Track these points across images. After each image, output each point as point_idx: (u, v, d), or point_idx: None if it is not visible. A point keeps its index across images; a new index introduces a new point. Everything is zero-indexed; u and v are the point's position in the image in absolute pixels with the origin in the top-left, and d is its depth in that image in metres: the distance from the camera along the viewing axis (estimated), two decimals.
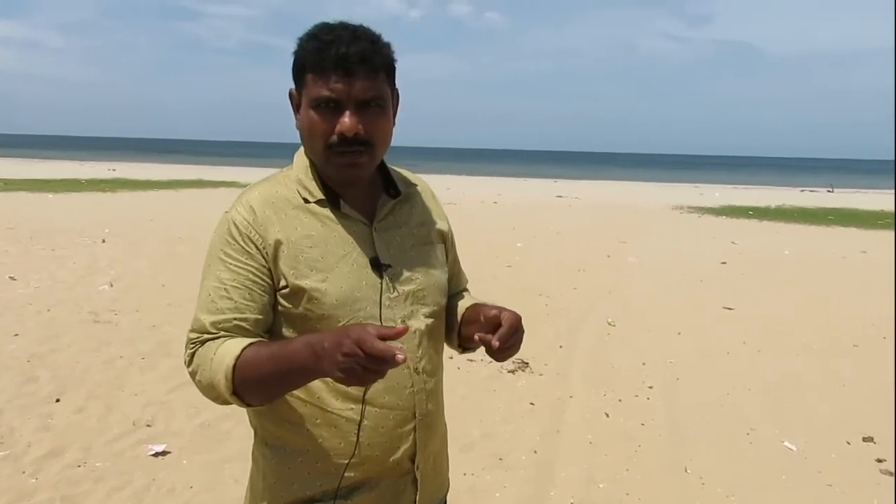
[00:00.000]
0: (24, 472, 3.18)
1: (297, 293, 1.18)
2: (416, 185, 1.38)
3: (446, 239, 1.40)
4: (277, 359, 1.10)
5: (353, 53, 1.12)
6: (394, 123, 1.24)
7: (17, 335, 5.18)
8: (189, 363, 1.19)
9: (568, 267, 8.95)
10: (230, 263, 1.19)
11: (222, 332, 1.17)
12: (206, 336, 1.18)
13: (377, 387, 1.21)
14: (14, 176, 21.67)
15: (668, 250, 10.68)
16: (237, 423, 3.62)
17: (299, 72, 1.18)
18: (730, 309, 6.88)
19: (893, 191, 22.67)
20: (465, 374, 4.57)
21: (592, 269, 8.92)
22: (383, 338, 0.97)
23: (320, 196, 1.23)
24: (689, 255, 10.16)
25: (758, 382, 4.75)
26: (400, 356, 0.94)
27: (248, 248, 1.18)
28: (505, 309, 1.21)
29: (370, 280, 1.22)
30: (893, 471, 3.49)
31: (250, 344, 1.13)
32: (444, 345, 1.40)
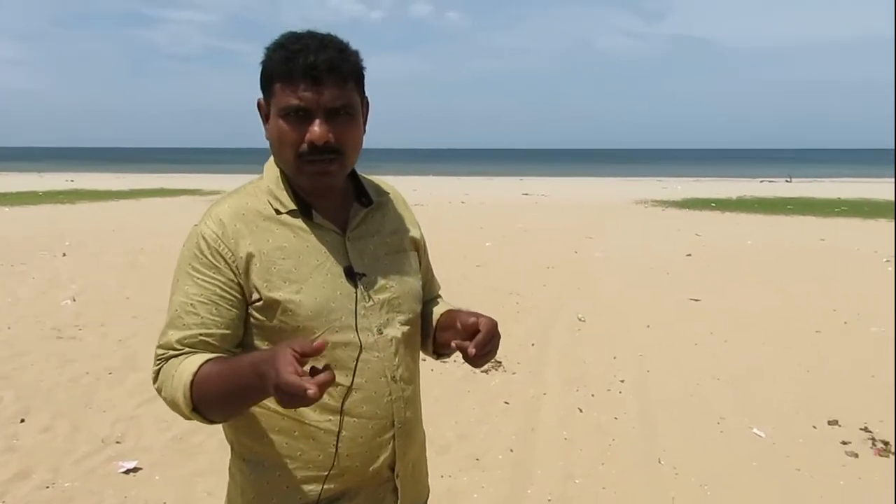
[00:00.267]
0: None
1: (270, 306, 1.17)
2: (388, 194, 1.38)
3: (419, 246, 1.40)
4: (227, 378, 1.10)
5: (322, 62, 1.12)
6: (364, 131, 1.24)
7: None
8: (155, 380, 1.19)
9: (537, 264, 9.01)
10: (198, 278, 1.18)
11: (187, 349, 1.16)
12: (170, 353, 1.17)
13: (355, 396, 1.21)
14: None
15: (634, 244, 10.82)
16: (209, 436, 3.57)
17: (267, 81, 1.18)
18: (696, 300, 7.00)
19: (894, 181, 23.18)
20: (439, 375, 4.57)
21: (561, 265, 9.00)
22: (306, 355, 0.96)
23: (292, 206, 1.22)
24: (654, 249, 10.31)
25: (726, 372, 4.84)
26: (311, 391, 0.90)
27: (216, 263, 1.17)
28: (481, 315, 1.21)
29: (345, 290, 1.21)
30: (857, 453, 3.59)
31: (207, 360, 1.12)
32: (421, 352, 1.40)
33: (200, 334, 1.16)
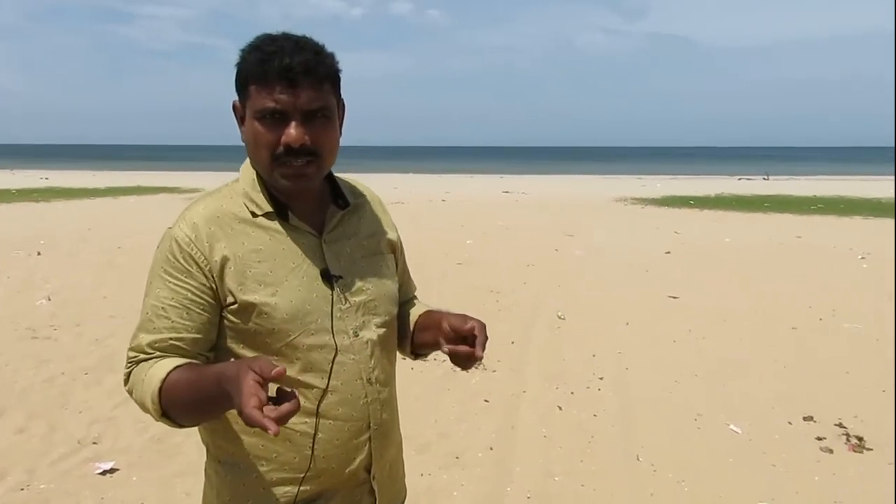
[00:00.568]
0: None
1: (245, 309, 1.17)
2: (365, 196, 1.38)
3: (396, 249, 1.41)
4: (194, 387, 1.10)
5: (298, 64, 1.11)
6: (340, 133, 1.24)
7: None
8: (126, 382, 1.19)
9: (517, 262, 9.04)
10: (170, 282, 1.17)
11: (157, 353, 1.16)
12: (141, 356, 1.17)
13: (331, 399, 1.21)
14: None
15: (614, 242, 10.89)
16: (187, 437, 3.54)
17: (242, 84, 1.17)
18: (675, 298, 7.06)
19: (893, 179, 23.46)
20: (419, 373, 4.57)
21: (541, 263, 9.04)
22: (267, 380, 0.94)
23: (268, 209, 1.22)
24: (634, 247, 10.39)
25: (703, 369, 4.89)
26: (272, 430, 0.87)
27: (188, 267, 1.16)
28: (469, 316, 1.21)
29: (321, 292, 1.21)
30: (832, 448, 3.65)
31: (177, 367, 1.12)
32: (397, 353, 1.40)
33: (171, 339, 1.16)
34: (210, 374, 1.08)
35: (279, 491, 1.23)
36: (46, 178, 26.48)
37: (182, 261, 1.17)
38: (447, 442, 3.73)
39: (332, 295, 1.22)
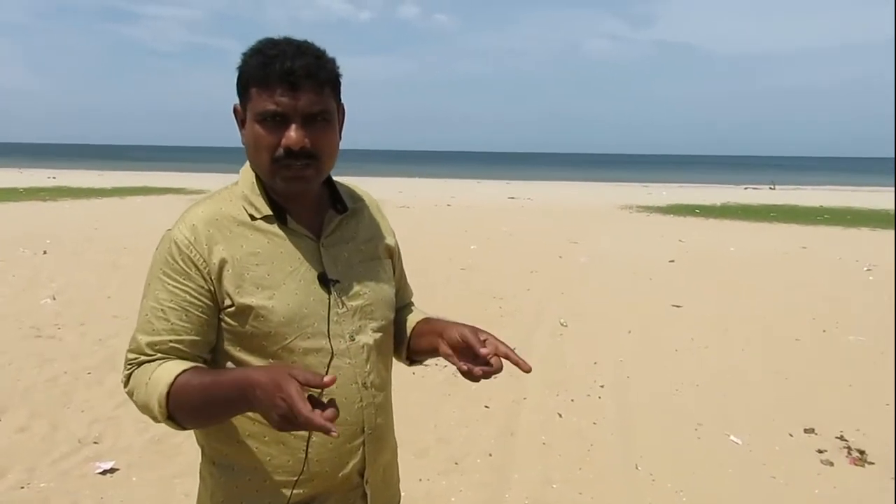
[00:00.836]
0: None
1: (243, 311, 1.17)
2: (363, 200, 1.39)
3: (393, 254, 1.41)
4: (208, 392, 1.11)
5: (299, 67, 1.13)
6: (340, 138, 1.25)
7: None
8: (126, 384, 1.20)
9: (521, 268, 9.04)
10: (168, 284, 1.18)
11: (158, 354, 1.17)
12: (142, 357, 1.18)
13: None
14: None
15: (618, 250, 10.88)
16: (187, 437, 3.54)
17: (244, 87, 1.18)
18: (678, 306, 7.05)
19: (894, 190, 23.38)
20: (420, 378, 4.58)
21: (545, 270, 9.03)
22: (310, 385, 0.98)
23: (267, 212, 1.22)
24: (638, 254, 10.37)
25: (705, 378, 4.88)
26: (334, 433, 0.94)
27: (187, 269, 1.17)
28: (479, 329, 1.22)
29: (318, 296, 1.22)
30: (833, 461, 3.64)
31: (184, 371, 1.13)
32: (393, 359, 1.41)
33: (170, 341, 1.17)
34: (227, 379, 1.09)
35: (272, 493, 1.23)
36: (54, 178, 26.63)
37: (181, 263, 1.17)
38: (447, 447, 3.73)
39: (330, 299, 1.22)
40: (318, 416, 0.95)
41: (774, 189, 29.65)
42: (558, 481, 3.38)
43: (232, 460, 1.25)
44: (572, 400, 4.44)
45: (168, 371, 1.13)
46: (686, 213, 17.40)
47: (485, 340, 1.19)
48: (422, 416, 4.09)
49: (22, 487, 3.17)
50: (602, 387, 4.69)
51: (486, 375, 1.16)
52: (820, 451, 3.75)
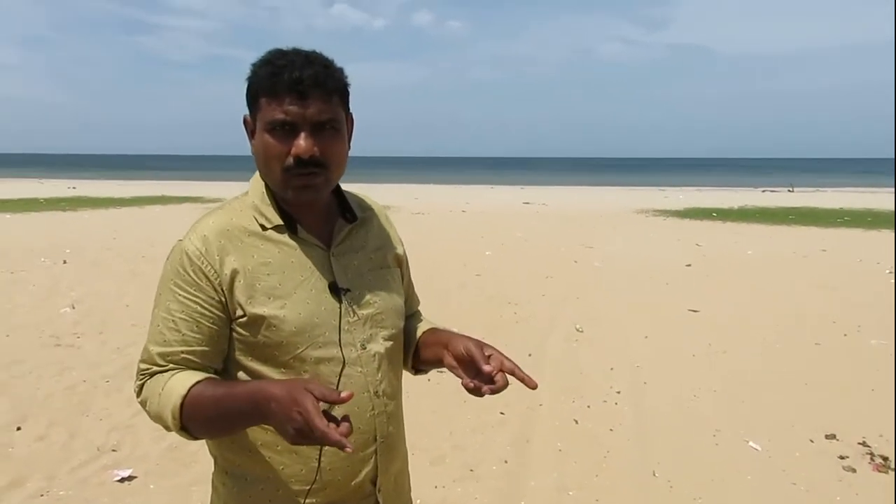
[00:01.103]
0: None
1: (254, 321, 1.18)
2: (372, 209, 1.39)
3: (402, 263, 1.42)
4: (221, 404, 1.12)
5: (307, 77, 1.13)
6: (349, 147, 1.25)
7: None
8: (139, 394, 1.21)
9: (536, 274, 9.01)
10: (179, 294, 1.19)
11: (170, 365, 1.18)
12: (154, 368, 1.19)
13: (337, 411, 1.21)
14: None
15: (634, 254, 10.81)
16: (203, 446, 3.52)
17: (253, 97, 1.19)
18: (695, 311, 6.99)
19: (894, 191, 23.12)
20: (435, 385, 4.57)
21: (560, 275, 9.00)
22: (326, 400, 0.99)
23: (277, 222, 1.23)
24: (654, 259, 10.30)
25: (723, 384, 4.83)
26: (349, 449, 0.96)
27: (198, 280, 1.18)
28: (486, 344, 1.22)
29: (329, 305, 1.22)
30: (855, 468, 3.58)
31: (198, 382, 1.14)
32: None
33: (182, 351, 1.18)
34: (241, 391, 1.10)
35: (285, 503, 1.23)
36: (74, 188, 26.96)
37: (192, 274, 1.18)
38: (462, 454, 3.72)
39: (340, 308, 1.23)
40: (333, 431, 0.96)
41: (793, 191, 29.34)
42: (574, 488, 3.36)
43: (245, 470, 1.25)
44: (588, 406, 4.41)
45: (181, 382, 1.14)
46: (703, 217, 17.26)
47: (490, 356, 1.19)
48: (437, 423, 4.09)
49: (41, 495, 3.20)
50: (618, 393, 4.65)
51: (492, 392, 1.16)
52: (842, 458, 3.69)
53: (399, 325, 1.33)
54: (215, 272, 1.18)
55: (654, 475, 3.49)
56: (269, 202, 1.24)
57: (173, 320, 1.18)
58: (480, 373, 1.17)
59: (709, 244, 12.04)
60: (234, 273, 1.18)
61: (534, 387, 1.14)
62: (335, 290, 1.23)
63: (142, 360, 1.21)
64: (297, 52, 1.17)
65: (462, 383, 1.18)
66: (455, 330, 1.33)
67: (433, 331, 1.39)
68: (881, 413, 4.28)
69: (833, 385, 4.82)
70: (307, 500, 1.23)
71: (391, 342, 1.30)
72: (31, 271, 8.67)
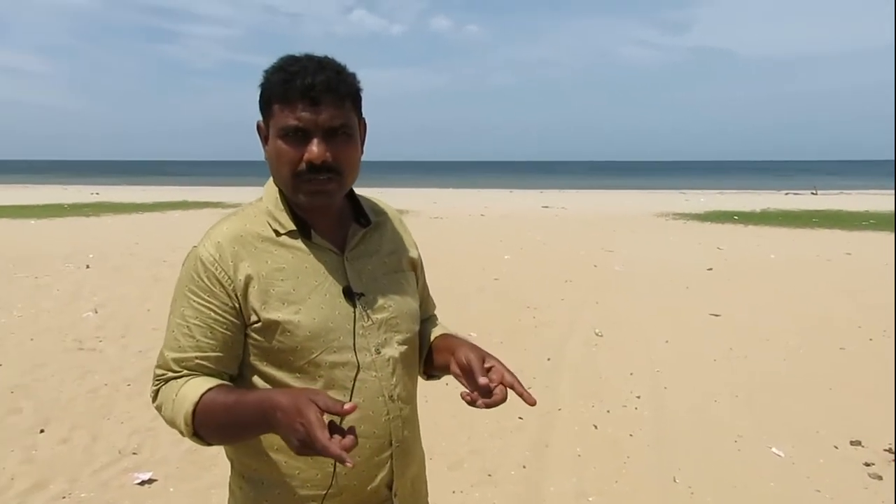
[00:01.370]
0: None
1: (269, 327, 1.18)
2: (386, 213, 1.39)
3: (416, 266, 1.41)
4: (230, 411, 1.12)
5: (319, 83, 1.13)
6: (362, 152, 1.25)
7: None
8: (154, 399, 1.22)
9: (555, 278, 8.98)
10: (194, 300, 1.19)
11: (185, 371, 1.19)
12: (169, 374, 1.20)
13: (352, 416, 1.20)
14: None
15: (654, 258, 10.73)
16: (222, 450, 3.55)
17: (266, 103, 1.19)
18: (716, 315, 6.91)
19: (894, 191, 22.82)
20: (453, 389, 4.52)
21: (579, 279, 8.95)
22: (330, 411, 0.99)
23: (291, 227, 1.23)
24: (675, 263, 10.22)
25: (745, 389, 4.77)
26: (349, 464, 0.95)
27: (212, 286, 1.18)
28: (488, 354, 1.21)
29: (343, 309, 1.22)
30: (881, 475, 3.51)
31: (210, 389, 1.15)
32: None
33: (196, 357, 1.18)
34: (250, 400, 1.10)
35: None
36: (97, 193, 27.36)
37: (206, 280, 1.19)
38: (480, 458, 3.70)
39: (355, 312, 1.23)
40: (334, 444, 0.95)
41: (817, 194, 28.95)
42: (594, 494, 3.32)
43: (261, 474, 1.25)
44: (608, 411, 4.37)
45: (194, 389, 1.15)
46: (724, 220, 17.09)
47: (490, 368, 1.18)
48: (455, 428, 4.07)
49: (63, 497, 3.24)
50: (638, 398, 4.61)
51: (486, 406, 1.15)
52: (867, 465, 3.63)
53: (414, 329, 1.33)
54: (229, 278, 1.18)
55: (675, 481, 3.45)
56: (282, 208, 1.24)
57: (188, 326, 1.19)
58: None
59: (730, 248, 11.91)
60: (248, 279, 1.18)
61: (532, 403, 1.13)
62: (349, 295, 1.23)
63: (157, 366, 1.22)
64: (309, 58, 1.17)
65: (461, 393, 1.17)
66: (473, 335, 1.32)
67: (445, 336, 1.38)
68: None
69: (858, 390, 4.73)
70: None
71: (406, 346, 1.29)
72: (55, 276, 8.80)
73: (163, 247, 11.56)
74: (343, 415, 0.99)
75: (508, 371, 1.17)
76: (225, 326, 1.19)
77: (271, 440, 1.22)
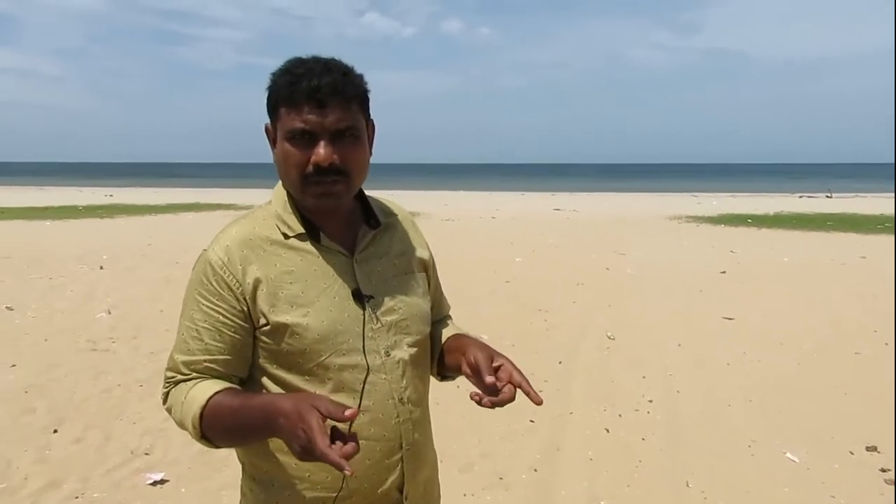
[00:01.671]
0: None
1: (278, 330, 1.18)
2: (397, 215, 1.39)
3: (428, 267, 1.40)
4: (236, 415, 1.12)
5: (326, 85, 1.13)
6: (371, 153, 1.24)
7: (13, 366, 5.17)
8: (165, 401, 1.23)
9: (567, 281, 8.94)
10: (203, 304, 1.20)
11: (194, 374, 1.19)
12: (179, 377, 1.21)
13: (363, 419, 1.20)
14: (10, 204, 21.73)
15: (667, 261, 10.67)
16: (233, 451, 3.59)
17: (273, 106, 1.19)
18: (729, 319, 6.86)
19: (894, 194, 22.68)
20: (464, 392, 4.52)
21: (591, 282, 8.92)
22: (332, 418, 0.98)
23: (300, 230, 1.23)
24: (687, 266, 10.16)
25: (758, 393, 4.73)
26: (348, 472, 0.94)
27: (220, 290, 1.19)
28: (497, 353, 1.21)
29: (352, 312, 1.22)
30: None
31: (217, 392, 1.15)
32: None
33: (205, 360, 1.19)
34: (255, 404, 1.10)
35: None
36: (111, 195, 27.57)
37: (215, 284, 1.19)
38: (491, 462, 3.69)
39: (364, 315, 1.22)
40: (334, 451, 0.95)
41: (831, 197, 28.70)
42: (606, 498, 3.30)
43: (272, 476, 1.25)
44: (620, 415, 4.35)
45: (202, 392, 1.15)
46: (738, 223, 16.97)
47: (499, 367, 1.17)
48: (465, 431, 4.06)
49: (76, 497, 3.25)
50: (651, 401, 4.58)
51: (492, 405, 1.14)
52: (883, 470, 3.58)
53: (424, 330, 1.32)
54: (238, 282, 1.18)
55: (688, 486, 3.42)
56: (291, 210, 1.24)
57: (196, 329, 1.19)
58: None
59: (744, 251, 11.83)
60: (257, 282, 1.18)
61: (539, 402, 1.12)
62: (359, 297, 1.22)
63: (168, 368, 1.23)
64: (315, 60, 1.17)
65: (470, 394, 1.17)
66: (485, 337, 1.32)
67: (457, 336, 1.37)
68: None
69: (874, 395, 4.68)
70: None
71: (416, 348, 1.28)
72: (70, 277, 8.86)
73: (175, 248, 11.62)
74: (345, 420, 0.98)
75: (517, 370, 1.17)
76: (234, 330, 1.19)
77: (281, 443, 1.22)
